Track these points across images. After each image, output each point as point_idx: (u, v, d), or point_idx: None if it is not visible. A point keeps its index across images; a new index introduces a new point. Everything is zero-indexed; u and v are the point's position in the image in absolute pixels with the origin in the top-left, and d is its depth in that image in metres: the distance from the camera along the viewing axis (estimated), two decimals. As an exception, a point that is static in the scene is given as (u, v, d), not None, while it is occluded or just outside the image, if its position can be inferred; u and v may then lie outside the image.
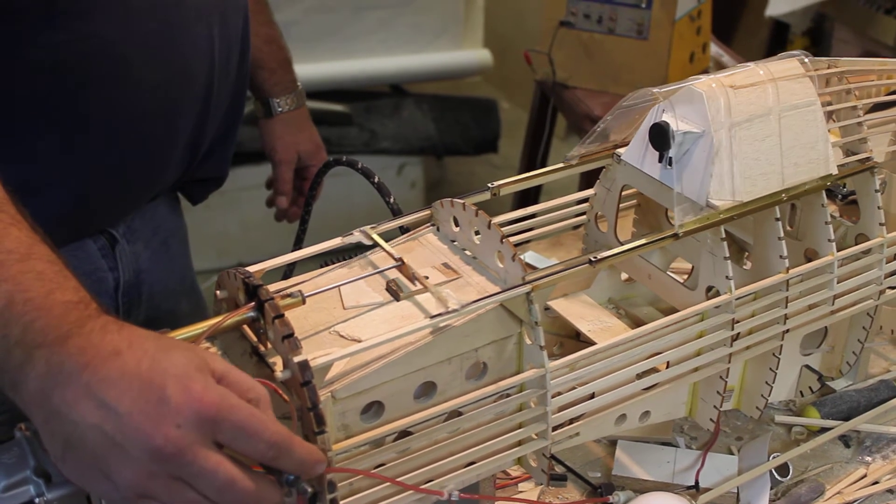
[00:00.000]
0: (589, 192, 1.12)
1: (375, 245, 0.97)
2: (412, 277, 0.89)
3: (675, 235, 0.96)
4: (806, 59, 1.05)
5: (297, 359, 0.78)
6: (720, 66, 2.42)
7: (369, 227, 0.95)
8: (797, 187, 1.01)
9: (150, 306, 1.33)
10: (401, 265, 0.90)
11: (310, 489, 0.78)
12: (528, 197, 2.36)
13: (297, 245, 1.37)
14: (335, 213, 2.67)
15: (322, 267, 0.97)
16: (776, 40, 3.43)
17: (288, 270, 1.12)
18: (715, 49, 2.50)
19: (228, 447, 0.74)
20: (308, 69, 3.06)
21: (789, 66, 1.04)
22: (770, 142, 1.00)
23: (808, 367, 1.17)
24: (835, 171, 1.04)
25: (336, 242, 0.95)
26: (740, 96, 0.99)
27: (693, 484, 1.09)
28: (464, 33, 3.37)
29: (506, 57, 3.58)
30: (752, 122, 0.99)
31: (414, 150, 3.37)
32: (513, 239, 1.06)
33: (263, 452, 0.74)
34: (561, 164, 1.07)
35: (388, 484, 0.84)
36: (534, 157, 2.76)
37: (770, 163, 1.00)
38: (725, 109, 0.98)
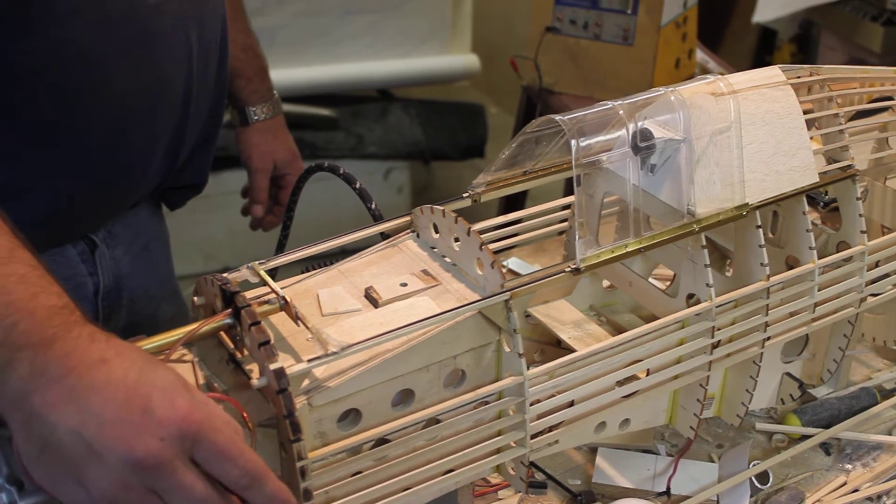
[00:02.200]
0: (571, 199, 1.11)
1: (362, 247, 0.97)
2: (295, 318, 0.86)
3: (577, 270, 0.93)
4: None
5: (273, 366, 0.77)
6: (706, 72, 2.42)
7: (258, 262, 0.92)
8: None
9: (131, 311, 1.32)
10: (285, 305, 0.87)
11: None
12: (514, 203, 2.36)
13: (279, 251, 1.36)
14: (321, 218, 2.66)
15: (303, 273, 0.97)
16: (763, 47, 3.44)
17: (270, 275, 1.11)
18: (701, 55, 2.50)
19: (203, 467, 0.74)
20: (295, 73, 3.05)
21: (771, 73, 1.04)
22: (752, 149, 1.00)
23: (788, 374, 1.17)
24: (816, 179, 1.04)
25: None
26: (721, 103, 0.99)
27: (664, 490, 1.09)
28: (451, 38, 3.37)
29: (493, 62, 3.57)
30: (733, 130, 0.99)
31: (401, 155, 3.37)
32: (495, 245, 1.06)
33: (237, 479, 0.74)
34: (545, 169, 1.07)
35: (366, 491, 0.84)
36: (520, 162, 2.75)
37: (752, 171, 1.00)
38: (706, 117, 0.98)
